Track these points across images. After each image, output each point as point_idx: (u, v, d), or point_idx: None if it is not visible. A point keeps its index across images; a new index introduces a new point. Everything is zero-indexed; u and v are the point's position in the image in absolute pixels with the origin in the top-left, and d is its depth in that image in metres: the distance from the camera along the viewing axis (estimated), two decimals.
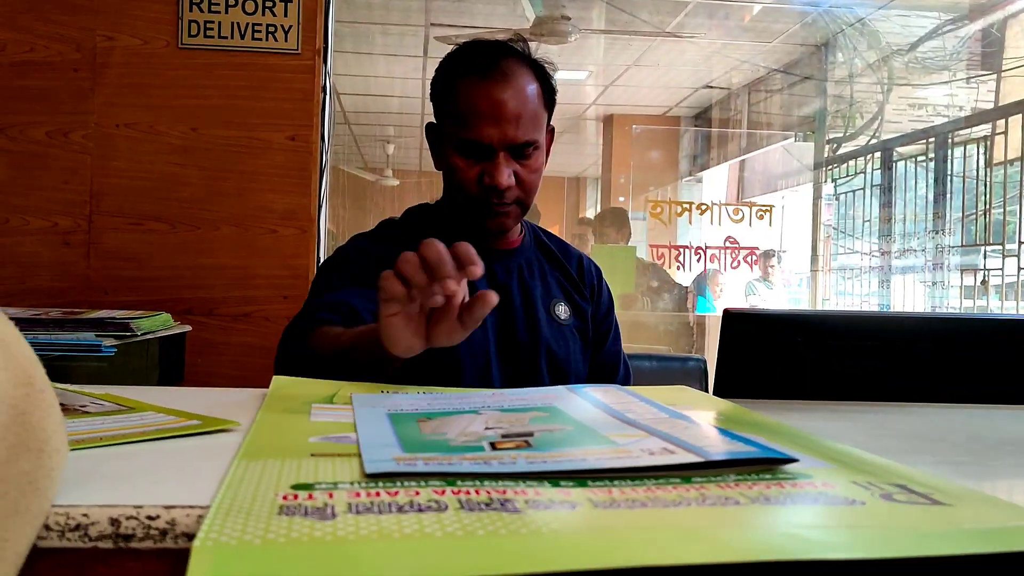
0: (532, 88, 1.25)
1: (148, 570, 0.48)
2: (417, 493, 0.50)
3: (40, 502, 0.46)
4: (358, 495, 0.50)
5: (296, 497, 0.49)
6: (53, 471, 0.48)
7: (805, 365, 1.12)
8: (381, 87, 6.82)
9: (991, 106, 5.06)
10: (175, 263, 2.13)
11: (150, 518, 0.48)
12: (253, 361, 2.14)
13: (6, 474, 0.44)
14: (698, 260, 4.91)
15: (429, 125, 1.34)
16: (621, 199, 6.59)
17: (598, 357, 1.41)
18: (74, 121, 2.11)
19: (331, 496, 0.49)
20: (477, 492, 0.50)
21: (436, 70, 1.31)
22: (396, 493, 0.50)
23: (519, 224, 1.40)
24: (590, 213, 9.66)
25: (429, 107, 1.34)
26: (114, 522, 0.48)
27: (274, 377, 0.94)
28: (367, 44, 5.72)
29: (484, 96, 1.22)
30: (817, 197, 5.97)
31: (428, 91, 1.35)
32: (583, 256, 1.47)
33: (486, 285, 1.33)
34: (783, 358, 1.11)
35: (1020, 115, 4.55)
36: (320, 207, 2.23)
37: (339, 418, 0.75)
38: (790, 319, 1.14)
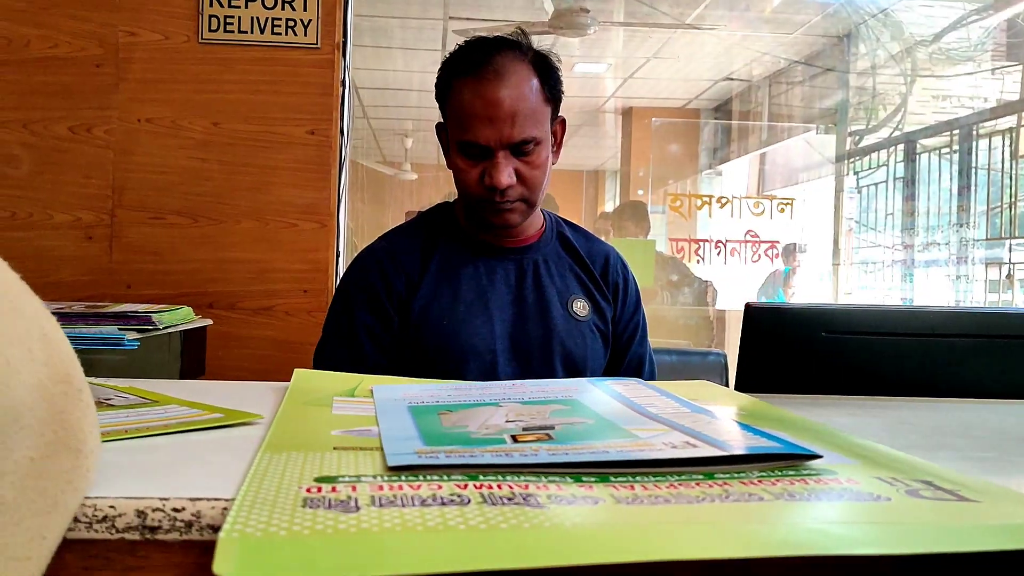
0: (529, 84, 1.24)
1: (174, 561, 0.49)
2: (440, 487, 0.50)
3: (75, 499, 0.47)
4: (381, 488, 0.50)
5: (320, 490, 0.49)
6: (89, 471, 0.48)
7: (827, 360, 1.11)
8: (399, 81, 6.83)
9: (1016, 97, 4.99)
10: (196, 257, 2.14)
11: (176, 510, 0.48)
12: (273, 355, 2.15)
13: (45, 470, 0.45)
14: (718, 254, 4.88)
15: (438, 125, 1.34)
16: (640, 192, 6.56)
17: (624, 358, 1.39)
18: (97, 116, 2.12)
19: (354, 489, 0.49)
20: (499, 487, 0.51)
21: (438, 71, 1.30)
22: (419, 487, 0.50)
23: (540, 218, 1.39)
24: (609, 206, 9.63)
25: None
26: (141, 514, 0.48)
27: (295, 370, 0.95)
28: (385, 38, 5.72)
29: (477, 96, 1.21)
30: (839, 190, 5.91)
31: None
32: (610, 253, 1.43)
33: (501, 281, 1.33)
34: (805, 353, 1.11)
35: None
36: (339, 201, 2.23)
37: (360, 411, 0.75)
38: (812, 313, 1.13)
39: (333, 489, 0.49)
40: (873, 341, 1.12)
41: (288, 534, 0.42)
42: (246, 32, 2.14)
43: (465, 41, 1.31)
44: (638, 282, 1.45)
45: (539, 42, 1.33)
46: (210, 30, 2.13)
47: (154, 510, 0.48)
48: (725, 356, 2.24)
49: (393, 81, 6.82)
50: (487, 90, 1.21)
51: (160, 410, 0.75)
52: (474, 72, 1.23)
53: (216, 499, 0.49)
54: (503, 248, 1.35)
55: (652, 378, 1.42)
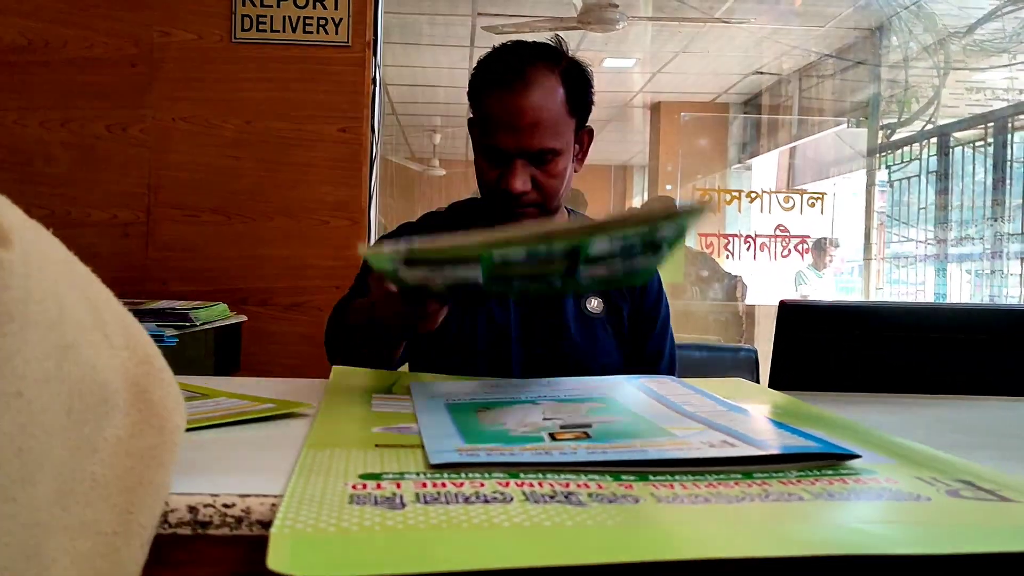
0: (555, 97, 1.26)
1: (224, 556, 0.50)
2: (482, 484, 0.51)
3: (163, 476, 0.48)
4: (424, 485, 0.51)
5: (365, 487, 0.50)
6: (175, 447, 0.50)
7: (862, 357, 1.11)
8: (428, 78, 6.84)
9: None
10: (230, 253, 2.17)
11: (226, 506, 0.50)
12: (305, 350, 2.17)
13: (132, 449, 0.46)
14: (747, 249, 4.85)
15: (470, 120, 1.37)
16: (668, 187, 6.54)
17: (644, 350, 1.41)
18: (132, 115, 2.15)
19: (399, 486, 0.50)
20: (540, 484, 0.51)
21: (473, 70, 1.33)
22: (461, 484, 0.51)
23: (563, 217, 1.41)
24: (636, 201, 9.60)
25: None
26: (192, 510, 0.49)
27: (333, 368, 0.96)
28: (414, 35, 5.74)
29: (501, 105, 1.25)
30: (870, 184, 5.85)
31: None
32: None
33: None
34: (840, 350, 1.10)
35: None
36: (370, 198, 2.25)
37: (399, 408, 0.76)
38: (847, 311, 1.13)
39: (378, 486, 0.50)
40: (909, 338, 1.12)
41: (338, 530, 0.43)
42: (278, 31, 2.16)
43: (503, 44, 1.33)
44: (668, 278, 1.45)
45: (566, 38, 1.34)
46: (243, 29, 2.16)
47: (205, 505, 0.50)
48: (756, 352, 2.22)
49: (422, 78, 6.84)
50: (512, 100, 1.24)
51: (212, 403, 0.76)
52: (503, 80, 1.26)
53: (264, 495, 0.50)
54: None
55: (672, 371, 1.44)
